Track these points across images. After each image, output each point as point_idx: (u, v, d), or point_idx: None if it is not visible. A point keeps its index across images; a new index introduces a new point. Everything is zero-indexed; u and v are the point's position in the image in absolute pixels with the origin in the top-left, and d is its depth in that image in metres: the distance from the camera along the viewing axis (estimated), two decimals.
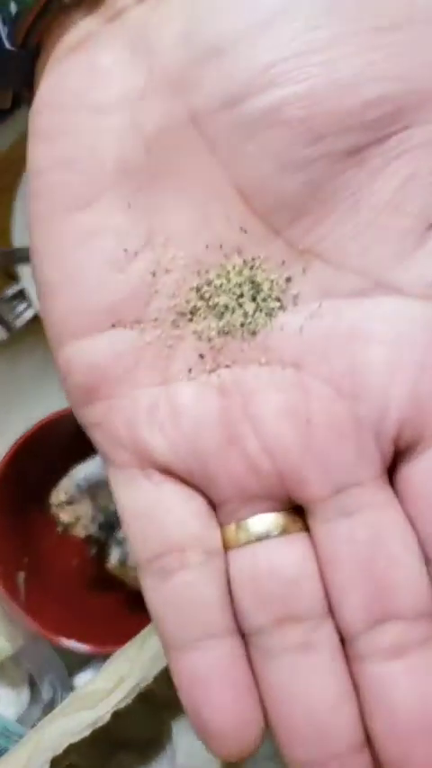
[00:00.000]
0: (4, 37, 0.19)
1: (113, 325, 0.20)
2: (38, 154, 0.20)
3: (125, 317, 0.20)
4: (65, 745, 0.35)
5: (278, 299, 0.19)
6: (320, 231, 0.19)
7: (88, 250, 0.19)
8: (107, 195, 0.19)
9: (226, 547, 0.20)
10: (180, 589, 0.20)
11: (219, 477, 0.19)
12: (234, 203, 0.19)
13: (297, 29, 0.17)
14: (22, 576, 0.45)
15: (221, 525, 0.20)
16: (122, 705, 0.35)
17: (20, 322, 0.49)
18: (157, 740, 0.40)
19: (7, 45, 0.19)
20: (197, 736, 0.20)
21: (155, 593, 0.20)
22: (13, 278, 0.49)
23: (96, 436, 0.20)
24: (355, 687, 0.19)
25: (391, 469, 0.20)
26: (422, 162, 0.18)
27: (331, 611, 0.19)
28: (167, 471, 0.20)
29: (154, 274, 0.20)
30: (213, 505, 0.20)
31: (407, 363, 0.19)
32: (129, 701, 0.35)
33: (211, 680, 0.19)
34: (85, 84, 0.19)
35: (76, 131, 0.19)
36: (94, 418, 0.20)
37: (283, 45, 0.17)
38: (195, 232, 0.19)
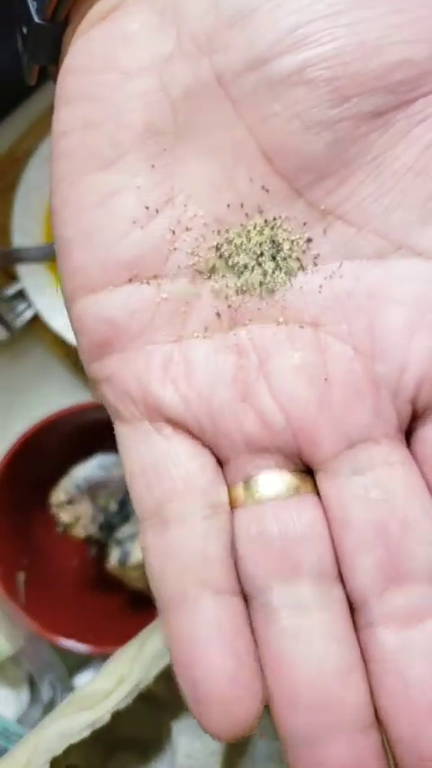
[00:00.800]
0: (33, 11, 0.20)
1: (130, 280, 0.20)
2: (62, 116, 0.20)
3: (143, 273, 0.20)
4: (65, 745, 0.34)
5: (298, 259, 0.19)
6: (343, 193, 0.19)
7: (109, 207, 0.19)
8: (130, 156, 0.19)
9: (233, 506, 0.19)
10: (181, 541, 0.19)
11: (230, 433, 0.19)
12: (257, 163, 0.19)
13: None
14: (22, 576, 0.45)
15: (229, 486, 0.20)
16: (122, 705, 0.35)
17: (20, 322, 0.49)
18: (156, 740, 0.40)
19: (36, 19, 0.20)
20: (190, 711, 0.18)
21: (154, 547, 0.19)
22: (12, 277, 0.49)
23: (106, 392, 0.20)
24: (365, 659, 0.18)
25: (409, 433, 0.19)
26: None
27: (341, 577, 0.18)
28: (177, 426, 0.20)
29: (174, 232, 0.20)
30: (222, 466, 0.20)
31: (426, 324, 0.19)
32: (129, 701, 0.35)
33: (210, 642, 0.18)
34: (113, 49, 0.19)
35: (102, 94, 0.19)
36: (104, 373, 0.20)
37: (309, 7, 0.17)
38: (217, 191, 0.19)
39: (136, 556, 0.43)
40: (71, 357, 0.49)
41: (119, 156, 0.19)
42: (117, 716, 0.35)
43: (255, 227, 0.19)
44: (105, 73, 0.19)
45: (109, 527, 0.44)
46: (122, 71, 0.19)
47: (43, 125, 0.48)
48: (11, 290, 0.48)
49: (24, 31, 0.20)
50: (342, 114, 0.18)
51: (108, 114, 0.19)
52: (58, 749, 0.35)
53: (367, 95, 0.18)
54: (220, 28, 0.18)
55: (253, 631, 0.19)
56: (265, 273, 0.20)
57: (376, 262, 0.19)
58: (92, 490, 0.45)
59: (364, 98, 0.18)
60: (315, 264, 0.19)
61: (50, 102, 0.56)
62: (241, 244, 0.20)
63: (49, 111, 0.56)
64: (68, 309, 0.20)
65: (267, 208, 0.19)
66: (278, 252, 0.19)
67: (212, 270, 0.20)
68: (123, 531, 0.44)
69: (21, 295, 0.48)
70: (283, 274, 0.20)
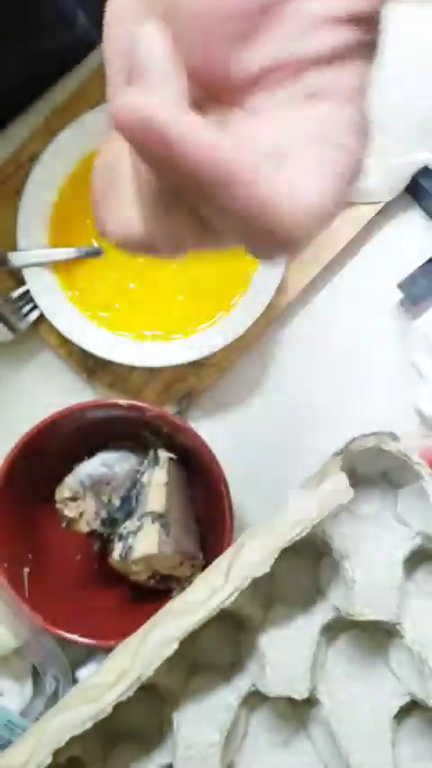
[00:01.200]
0: None
1: None
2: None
3: None
4: (67, 737, 0.35)
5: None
6: (238, 92, 0.25)
7: None
8: None
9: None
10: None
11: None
12: (190, 80, 0.24)
13: None
14: (26, 571, 0.46)
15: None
16: (124, 698, 0.35)
17: (24, 323, 0.49)
18: (157, 732, 0.40)
19: None
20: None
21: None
22: (18, 279, 0.49)
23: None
24: None
25: None
26: (296, 31, 0.24)
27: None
28: None
29: None
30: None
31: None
32: (130, 693, 0.35)
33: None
34: (122, 7, 0.25)
35: (112, 41, 0.25)
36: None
37: None
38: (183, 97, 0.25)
39: (138, 550, 0.43)
40: (74, 358, 0.50)
41: None
42: (118, 707, 0.35)
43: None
44: (115, 26, 0.25)
45: (112, 522, 0.45)
46: (116, 21, 0.25)
47: (47, 130, 0.48)
48: (16, 292, 0.49)
49: None
50: (216, 38, 0.24)
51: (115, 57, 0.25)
52: (61, 741, 0.35)
53: (231, 21, 0.23)
54: None
55: None
56: None
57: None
58: (95, 486, 0.45)
59: (227, 24, 0.23)
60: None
61: (54, 107, 0.57)
62: None
63: (52, 117, 0.57)
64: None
65: (201, 105, 0.25)
66: None
67: None
68: (126, 525, 0.45)
69: (26, 297, 0.49)
70: None
